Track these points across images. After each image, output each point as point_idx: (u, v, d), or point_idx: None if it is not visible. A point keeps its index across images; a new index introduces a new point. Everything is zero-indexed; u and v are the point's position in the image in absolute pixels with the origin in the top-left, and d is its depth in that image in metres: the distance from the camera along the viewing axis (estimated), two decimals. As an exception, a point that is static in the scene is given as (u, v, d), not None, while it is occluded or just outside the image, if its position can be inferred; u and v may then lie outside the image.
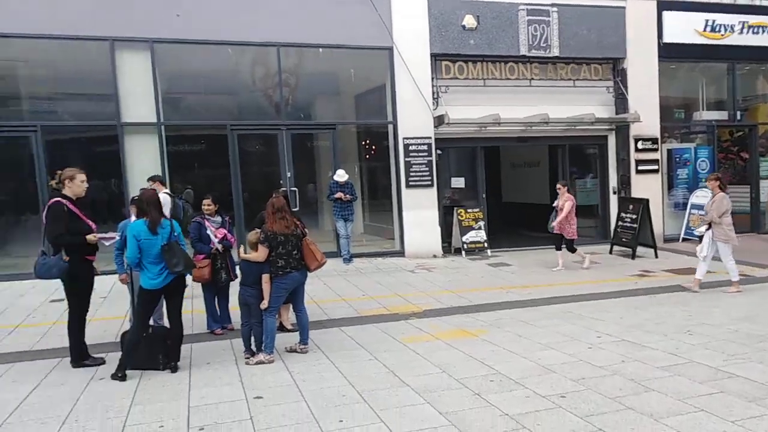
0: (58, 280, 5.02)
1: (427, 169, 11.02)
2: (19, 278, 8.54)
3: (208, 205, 6.13)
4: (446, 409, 3.98)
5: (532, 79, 11.80)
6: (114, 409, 4.12)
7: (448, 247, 11.46)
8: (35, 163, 9.33)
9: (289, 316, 6.11)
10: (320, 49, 10.64)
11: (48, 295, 7.56)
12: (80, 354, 5.10)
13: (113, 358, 4.95)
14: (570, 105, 11.69)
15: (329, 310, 6.99)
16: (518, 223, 14.26)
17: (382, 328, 6.24)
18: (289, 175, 10.61)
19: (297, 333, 5.53)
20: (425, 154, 11.00)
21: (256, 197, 10.04)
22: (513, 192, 15.72)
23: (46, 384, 4.67)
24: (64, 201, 4.97)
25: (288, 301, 5.61)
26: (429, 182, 11.06)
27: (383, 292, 8.04)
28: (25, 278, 7.90)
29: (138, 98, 9.78)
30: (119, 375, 4.74)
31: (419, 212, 10.99)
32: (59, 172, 5.20)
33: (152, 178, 8.09)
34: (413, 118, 10.89)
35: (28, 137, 9.35)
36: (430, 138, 11.04)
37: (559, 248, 9.65)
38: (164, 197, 8.14)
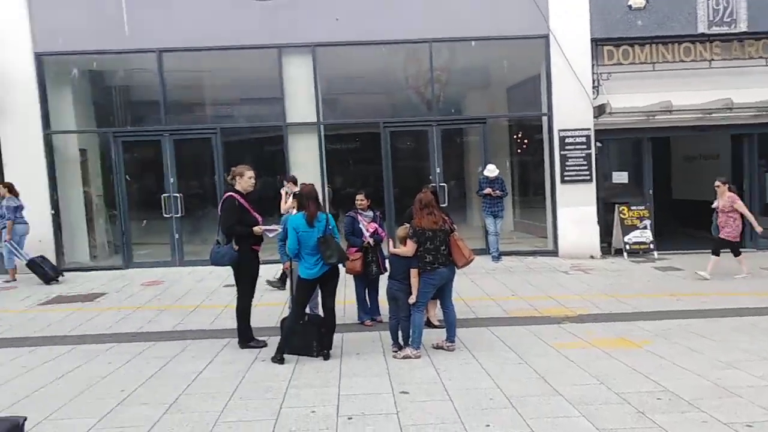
0: (230, 267, 5.53)
1: (585, 162, 10.31)
2: (200, 264, 9.65)
3: (361, 200, 6.31)
4: (605, 425, 3.64)
5: (712, 60, 10.43)
6: (273, 390, 4.42)
7: (608, 248, 10.62)
8: (215, 161, 10.44)
9: (436, 313, 6.09)
10: (472, 43, 10.46)
11: (222, 280, 8.41)
12: (246, 336, 5.57)
13: (274, 342, 5.32)
14: (761, 88, 10.12)
15: (477, 309, 6.84)
16: (691, 223, 12.73)
17: (532, 330, 5.94)
18: (438, 170, 10.61)
19: (444, 330, 5.48)
20: (583, 146, 10.29)
21: (406, 193, 10.19)
22: (685, 188, 14.06)
23: (218, 361, 5.17)
24: (236, 195, 5.46)
25: (435, 297, 5.58)
26: (587, 177, 10.33)
27: (534, 293, 7.67)
28: (205, 264, 8.89)
29: (301, 100, 10.47)
30: (278, 358, 5.08)
31: (575, 209, 10.32)
32: (232, 169, 5.74)
33: (287, 178, 8.66)
34: (570, 109, 10.25)
35: (210, 139, 10.50)
36: (588, 129, 10.30)
37: (716, 253, 8.38)
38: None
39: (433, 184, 9.67)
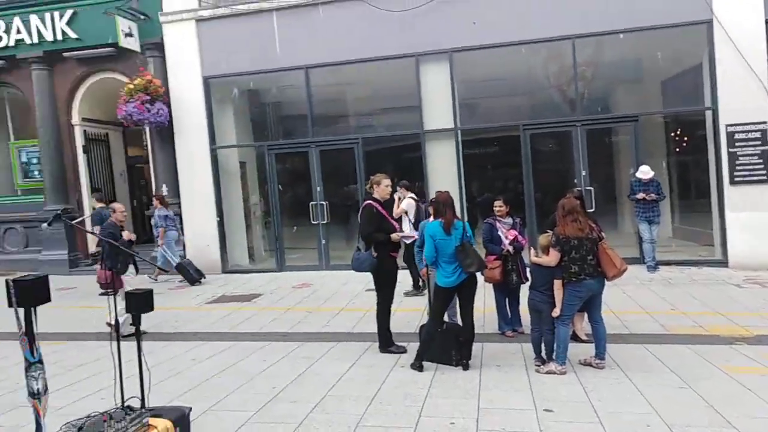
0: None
1: (760, 160, 9.03)
2: (344, 268, 10.07)
3: (500, 206, 6.13)
4: (792, 468, 3.13)
5: None
6: (411, 397, 4.45)
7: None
8: (357, 170, 10.87)
9: (583, 326, 5.71)
10: (620, 35, 9.70)
11: (365, 285, 8.70)
12: (386, 341, 5.68)
13: (413, 348, 5.36)
14: None
15: (630, 324, 6.28)
16: None
17: (696, 350, 5.31)
18: (583, 173, 9.99)
19: (592, 345, 5.11)
20: (757, 142, 9.03)
21: (548, 198, 9.76)
22: None
23: (359, 365, 5.33)
24: (374, 203, 5.62)
25: (582, 309, 5.24)
26: (763, 176, 9.05)
27: (698, 308, 6.86)
28: (349, 268, 9.26)
29: (438, 107, 10.50)
30: (417, 365, 5.11)
31: (749, 214, 9.07)
32: (371, 177, 5.91)
33: (400, 184, 8.53)
34: (740, 101, 9.04)
35: (352, 148, 10.95)
36: (764, 123, 9.02)
37: None
38: (408, 202, 8.53)
39: (578, 189, 9.11)
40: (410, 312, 7.09)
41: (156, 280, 10.49)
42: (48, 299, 2.47)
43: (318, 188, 11.01)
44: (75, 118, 12.42)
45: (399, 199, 8.36)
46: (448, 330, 5.33)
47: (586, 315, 5.38)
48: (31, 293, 2.37)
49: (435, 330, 5.21)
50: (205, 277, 10.42)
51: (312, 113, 10.98)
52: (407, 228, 8.29)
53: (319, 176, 11.02)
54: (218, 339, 6.45)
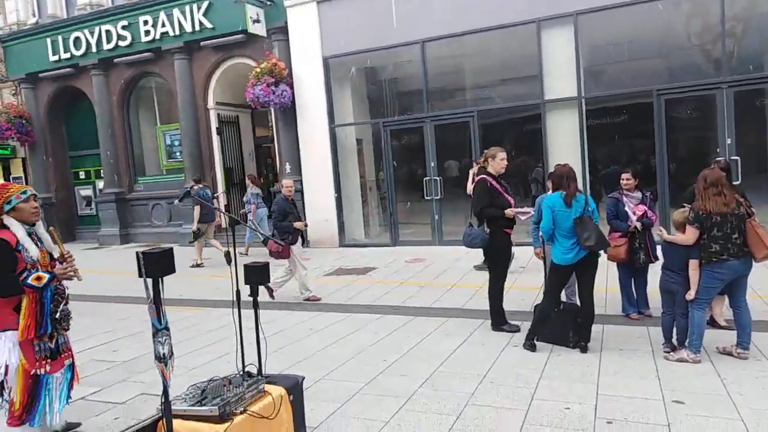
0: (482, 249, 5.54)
1: None
2: (457, 243, 9.93)
3: (627, 179, 5.64)
4: None
5: None
6: (523, 378, 4.28)
7: None
8: (471, 144, 10.62)
9: (723, 311, 5.12)
10: (781, -20, 8.41)
11: (477, 261, 8.52)
12: (498, 319, 5.52)
13: (526, 328, 5.15)
14: None
15: (782, 311, 5.53)
16: None
17: None
18: (729, 141, 8.89)
19: (732, 332, 4.56)
20: None
21: (685, 169, 8.85)
22: None
23: (470, 342, 5.24)
24: (488, 178, 5.43)
25: (723, 292, 4.69)
26: None
27: None
28: (461, 244, 9.16)
29: (560, 75, 9.91)
30: (529, 345, 4.90)
31: None
32: (485, 151, 5.71)
33: (477, 161, 8.31)
34: None
35: (468, 122, 10.70)
36: None
37: None
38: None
39: (723, 158, 8.13)
40: (525, 290, 6.83)
41: (247, 254, 11.09)
42: (173, 270, 2.66)
43: (432, 164, 10.93)
44: (210, 103, 13.41)
45: (474, 174, 8.26)
46: (565, 310, 5.05)
47: (726, 299, 4.81)
48: (157, 265, 2.58)
49: (551, 309, 4.96)
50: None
51: (427, 88, 10.87)
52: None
53: (434, 151, 10.93)
54: (334, 310, 6.69)
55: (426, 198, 10.98)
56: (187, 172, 13.40)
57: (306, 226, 7.63)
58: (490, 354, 4.85)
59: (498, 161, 5.45)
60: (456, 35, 10.50)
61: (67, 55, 14.12)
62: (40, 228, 3.42)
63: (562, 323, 4.93)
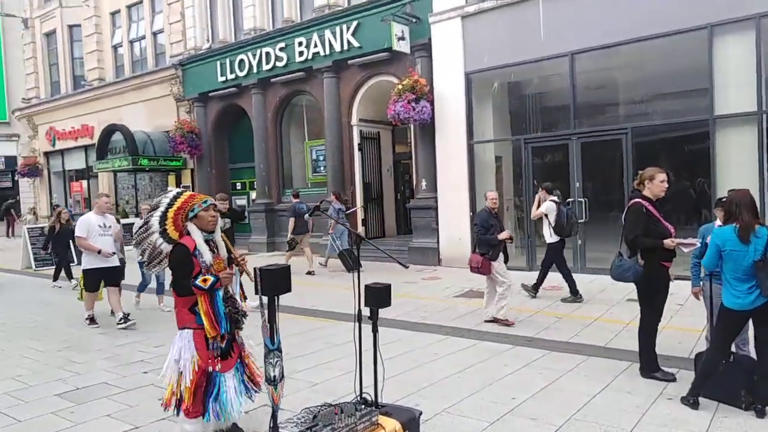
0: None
1: None
2: (602, 273, 9.08)
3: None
4: None
5: None
6: (680, 442, 3.64)
7: None
8: (624, 164, 9.69)
9: None
10: None
11: (626, 294, 7.68)
12: (650, 364, 4.82)
13: (684, 377, 4.44)
14: None
15: None
16: None
17: None
18: None
19: None
20: None
21: None
22: None
23: (613, 388, 4.62)
24: (643, 202, 4.80)
25: None
26: None
27: None
28: (607, 274, 8.33)
29: (735, 87, 8.70)
30: (690, 400, 4.18)
31: None
32: (640, 172, 5.08)
33: (542, 186, 8.53)
34: None
35: (620, 140, 9.79)
36: None
37: None
38: (549, 205, 8.19)
39: None
40: (683, 332, 5.96)
41: (326, 266, 11.79)
42: (288, 289, 2.60)
43: (577, 184, 10.15)
44: (354, 119, 13.87)
45: (539, 201, 8.46)
46: (737, 363, 4.25)
47: None
48: (273, 282, 2.54)
49: (718, 360, 4.20)
50: (361, 266, 10.58)
51: (575, 103, 10.18)
52: (547, 233, 8.27)
53: (579, 171, 10.15)
54: (461, 335, 6.38)
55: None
56: (329, 185, 13.95)
57: (511, 238, 7.19)
58: (637, 405, 4.22)
59: (657, 183, 4.80)
60: (609, 46, 9.71)
61: (233, 76, 15.54)
62: (217, 235, 3.68)
63: (733, 378, 4.15)
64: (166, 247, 3.50)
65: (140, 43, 19.57)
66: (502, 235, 6.76)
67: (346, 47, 13.13)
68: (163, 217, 3.49)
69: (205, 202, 3.57)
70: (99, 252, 7.24)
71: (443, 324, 6.94)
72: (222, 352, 3.45)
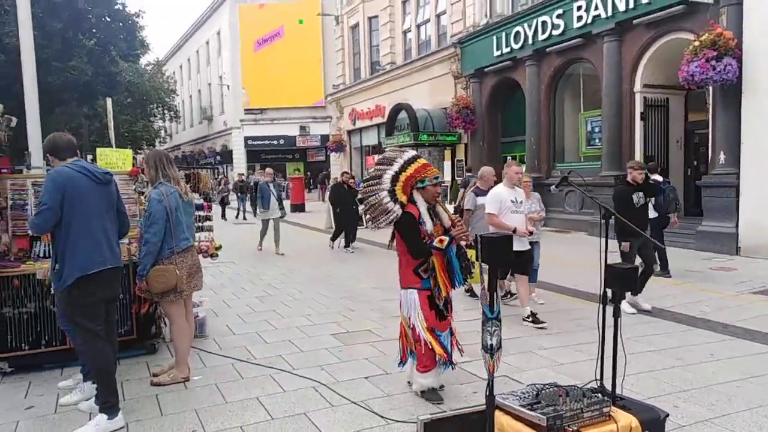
0: None
1: None
2: None
3: None
4: None
5: None
6: None
7: None
8: None
9: None
10: None
11: None
12: None
13: None
14: None
15: None
16: None
17: None
18: None
19: None
20: None
21: None
22: None
23: None
24: None
25: None
26: None
27: None
28: None
29: None
30: None
31: None
32: None
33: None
34: None
35: None
36: None
37: None
38: None
39: None
40: None
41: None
42: (509, 260, 2.52)
43: None
44: (636, 85, 12.46)
45: None
46: None
47: None
48: (494, 251, 2.48)
49: None
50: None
51: None
52: None
53: None
54: (753, 338, 5.27)
55: None
56: (604, 159, 12.91)
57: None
58: None
59: None
60: None
61: (508, 50, 15.49)
62: (438, 206, 3.89)
63: None
64: (392, 207, 3.67)
65: (425, 26, 20.96)
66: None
67: (632, 5, 11.78)
68: (395, 178, 3.70)
69: (437, 177, 3.76)
70: (514, 231, 5.61)
71: (730, 323, 5.82)
72: (438, 311, 3.66)
